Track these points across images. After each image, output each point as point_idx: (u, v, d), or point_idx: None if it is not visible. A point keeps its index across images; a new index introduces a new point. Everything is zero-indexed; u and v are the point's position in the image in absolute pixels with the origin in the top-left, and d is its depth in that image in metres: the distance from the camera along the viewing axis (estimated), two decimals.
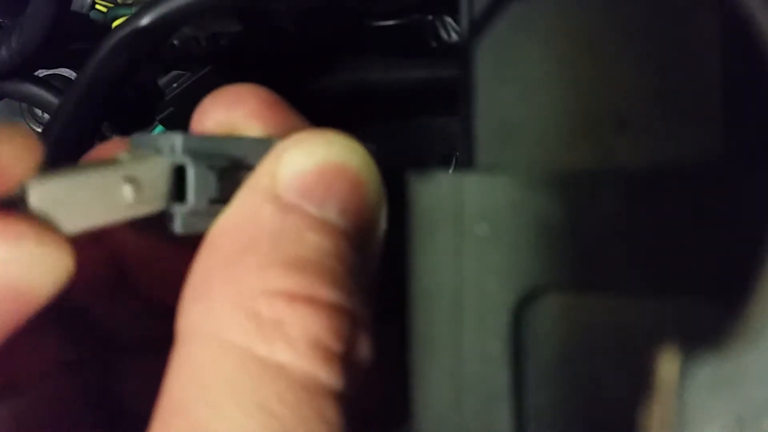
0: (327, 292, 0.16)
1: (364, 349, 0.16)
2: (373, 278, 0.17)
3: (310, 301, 0.15)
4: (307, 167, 0.16)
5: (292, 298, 0.15)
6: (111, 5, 0.38)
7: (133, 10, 0.36)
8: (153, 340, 0.21)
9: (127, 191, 0.17)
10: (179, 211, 0.17)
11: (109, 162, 0.17)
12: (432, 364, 0.17)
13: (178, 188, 0.17)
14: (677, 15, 0.16)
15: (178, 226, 0.17)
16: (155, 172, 0.17)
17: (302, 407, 0.15)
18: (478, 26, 0.18)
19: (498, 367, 0.16)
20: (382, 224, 0.18)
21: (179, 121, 0.38)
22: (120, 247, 0.20)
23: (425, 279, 0.17)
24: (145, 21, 0.25)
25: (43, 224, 0.16)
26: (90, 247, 0.19)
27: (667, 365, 0.15)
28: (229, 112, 0.19)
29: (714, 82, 0.16)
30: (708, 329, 0.14)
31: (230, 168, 0.18)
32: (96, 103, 0.28)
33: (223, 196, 0.17)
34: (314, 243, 0.16)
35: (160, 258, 0.20)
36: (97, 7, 0.38)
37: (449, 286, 0.17)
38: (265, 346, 0.15)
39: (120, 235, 0.20)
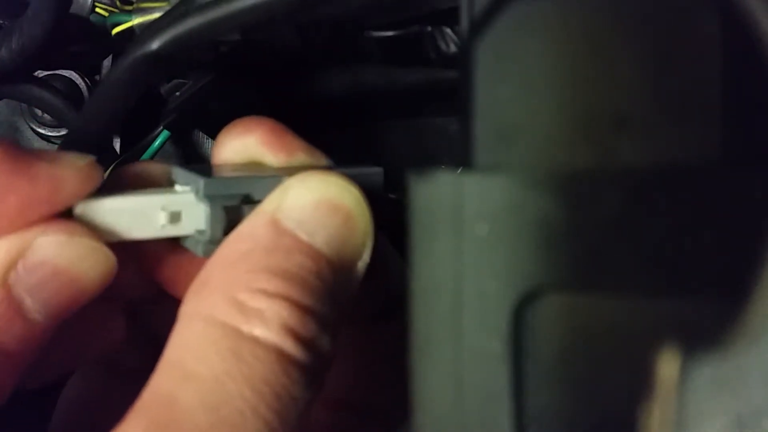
0: (301, 297, 0.19)
1: (325, 343, 0.19)
2: (352, 294, 0.21)
3: (286, 299, 0.19)
4: (305, 202, 0.20)
5: (271, 295, 0.19)
6: (111, 9, 0.38)
7: (133, 16, 0.36)
8: None
9: (162, 217, 0.22)
10: (201, 240, 0.22)
11: (151, 191, 0.23)
12: (432, 364, 0.17)
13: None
14: (677, 15, 0.16)
15: (200, 251, 0.22)
16: (185, 206, 0.22)
17: (268, 362, 0.18)
18: (478, 26, 0.18)
19: (498, 367, 0.16)
20: (367, 254, 0.21)
21: (183, 127, 0.39)
22: (161, 261, 0.25)
23: (425, 279, 0.17)
24: (155, 45, 0.25)
25: (91, 229, 0.21)
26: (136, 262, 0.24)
27: (667, 365, 0.15)
28: (242, 142, 0.23)
29: (714, 82, 0.16)
30: (708, 329, 0.14)
31: (240, 204, 0.22)
32: (108, 126, 0.29)
33: (233, 227, 0.22)
34: (299, 261, 0.20)
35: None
36: (98, 10, 0.38)
37: (449, 286, 0.17)
38: (245, 324, 0.19)
39: (162, 250, 0.24)
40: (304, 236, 0.20)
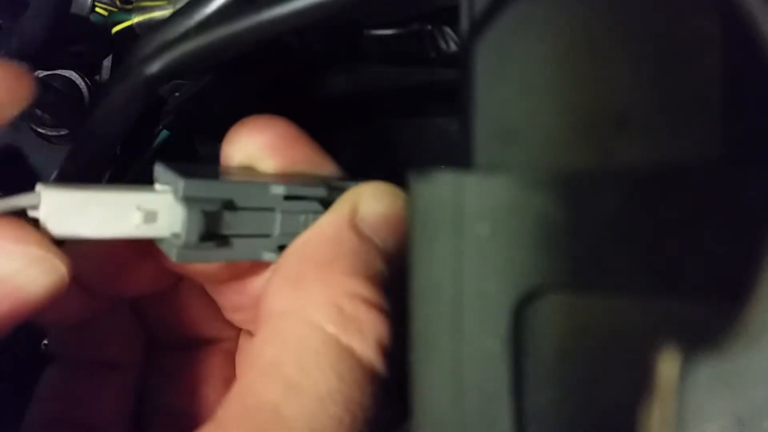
0: (387, 305, 0.20)
1: (398, 350, 0.20)
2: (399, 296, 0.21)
3: (379, 308, 0.20)
4: (378, 210, 0.21)
5: (368, 303, 0.20)
6: (111, 8, 0.38)
7: (133, 15, 0.36)
8: (189, 345, 0.27)
9: (137, 216, 0.20)
10: (175, 243, 0.21)
11: (128, 187, 0.21)
12: (432, 364, 0.17)
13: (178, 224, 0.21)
14: (677, 15, 0.16)
15: (173, 255, 0.21)
16: (162, 206, 0.21)
17: (364, 384, 0.19)
18: (478, 26, 0.18)
19: (498, 366, 0.16)
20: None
21: (182, 127, 0.39)
22: (161, 270, 0.24)
23: (425, 279, 0.17)
24: (155, 68, 0.25)
25: (45, 234, 0.19)
26: (144, 269, 0.24)
27: (667, 365, 0.15)
28: (251, 143, 0.23)
29: (714, 81, 0.16)
30: (708, 329, 0.14)
31: (221, 210, 0.21)
32: (107, 149, 0.29)
33: (211, 234, 0.21)
34: (379, 266, 0.21)
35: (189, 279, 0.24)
36: (97, 9, 0.38)
37: (449, 286, 0.17)
38: (344, 333, 0.19)
39: (163, 261, 0.23)
40: (379, 242, 0.21)
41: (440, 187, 0.17)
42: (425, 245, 0.17)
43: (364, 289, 0.20)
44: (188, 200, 0.20)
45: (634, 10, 0.17)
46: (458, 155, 0.18)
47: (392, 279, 0.21)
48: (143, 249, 0.23)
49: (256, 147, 0.23)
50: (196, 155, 0.41)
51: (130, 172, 0.37)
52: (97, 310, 0.25)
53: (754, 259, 0.14)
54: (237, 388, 0.19)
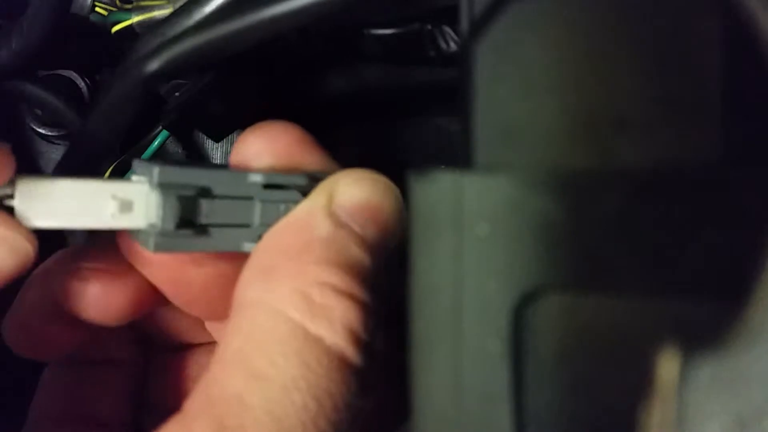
0: (363, 294, 0.20)
1: (380, 342, 0.20)
2: (386, 287, 0.21)
3: (351, 297, 0.19)
4: (356, 197, 0.21)
5: (339, 291, 0.19)
6: (111, 8, 0.38)
7: (133, 15, 0.36)
8: (185, 345, 0.28)
9: (112, 206, 0.20)
10: (152, 232, 0.20)
11: (103, 179, 0.21)
12: (432, 364, 0.17)
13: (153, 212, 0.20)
14: (677, 15, 0.16)
15: (150, 245, 0.20)
16: (137, 195, 0.21)
17: (332, 370, 0.19)
18: (478, 26, 0.18)
19: (498, 367, 0.16)
20: (393, 247, 0.21)
21: (183, 127, 0.39)
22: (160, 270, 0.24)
23: (425, 279, 0.17)
24: (154, 67, 0.25)
25: (11, 216, 0.20)
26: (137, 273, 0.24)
27: (667, 365, 0.15)
28: (263, 149, 0.23)
29: (714, 82, 0.16)
30: (708, 329, 0.14)
31: (197, 196, 0.21)
32: (105, 147, 0.29)
33: (190, 222, 0.21)
34: (356, 254, 0.20)
35: (187, 277, 0.24)
36: (97, 9, 0.38)
37: (449, 286, 0.17)
38: (312, 322, 0.19)
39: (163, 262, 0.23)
40: (357, 229, 0.20)
41: (440, 187, 0.17)
42: (425, 245, 0.17)
43: (335, 278, 0.19)
44: (163, 186, 0.20)
45: (634, 10, 0.17)
46: (458, 155, 0.18)
47: (377, 267, 0.20)
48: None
49: (268, 153, 0.23)
50: (196, 155, 0.41)
51: (130, 172, 0.37)
52: (87, 338, 0.25)
53: (754, 259, 0.14)
54: (203, 380, 0.19)
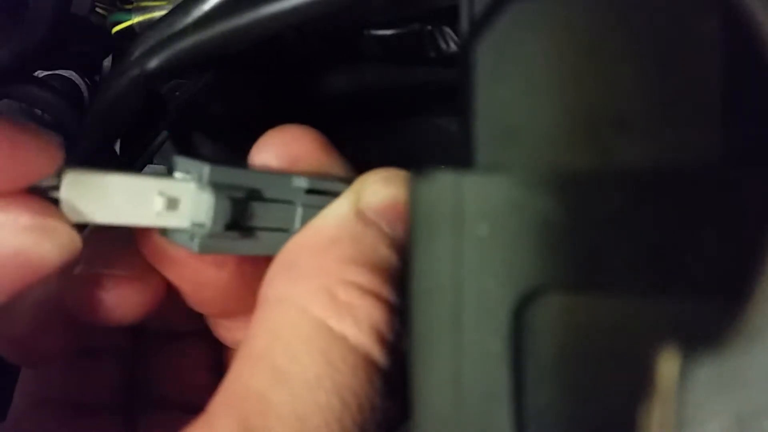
0: (388, 293, 0.19)
1: (403, 342, 0.19)
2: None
3: (376, 296, 0.19)
4: (385, 195, 0.21)
5: (364, 290, 0.19)
6: (111, 8, 0.38)
7: (133, 15, 0.36)
8: (177, 333, 0.27)
9: (159, 203, 0.20)
10: (198, 233, 0.20)
11: (150, 174, 0.20)
12: (432, 364, 0.17)
13: (201, 212, 0.20)
14: (677, 15, 0.16)
15: (195, 246, 0.20)
16: (185, 193, 0.20)
17: (357, 369, 0.19)
18: (478, 26, 0.18)
19: (498, 366, 0.16)
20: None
21: (182, 127, 0.39)
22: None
23: (425, 279, 0.17)
24: (153, 65, 0.25)
25: (57, 208, 0.19)
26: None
27: (667, 365, 0.15)
28: (282, 153, 0.22)
29: (714, 82, 0.16)
30: (708, 329, 0.14)
31: (247, 198, 0.20)
32: (103, 145, 0.29)
33: (237, 223, 0.20)
34: (383, 253, 0.20)
35: (208, 278, 0.24)
36: (97, 9, 0.38)
37: (449, 286, 0.17)
38: (337, 320, 0.19)
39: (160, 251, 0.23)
40: (386, 228, 0.20)
41: (440, 186, 0.17)
42: (425, 245, 0.17)
43: (361, 276, 0.19)
44: (215, 186, 0.20)
45: (634, 10, 0.17)
46: (458, 155, 0.18)
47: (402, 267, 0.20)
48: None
49: (287, 157, 0.22)
50: (195, 155, 0.41)
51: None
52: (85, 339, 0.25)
53: (754, 259, 0.14)
54: (228, 377, 0.19)
